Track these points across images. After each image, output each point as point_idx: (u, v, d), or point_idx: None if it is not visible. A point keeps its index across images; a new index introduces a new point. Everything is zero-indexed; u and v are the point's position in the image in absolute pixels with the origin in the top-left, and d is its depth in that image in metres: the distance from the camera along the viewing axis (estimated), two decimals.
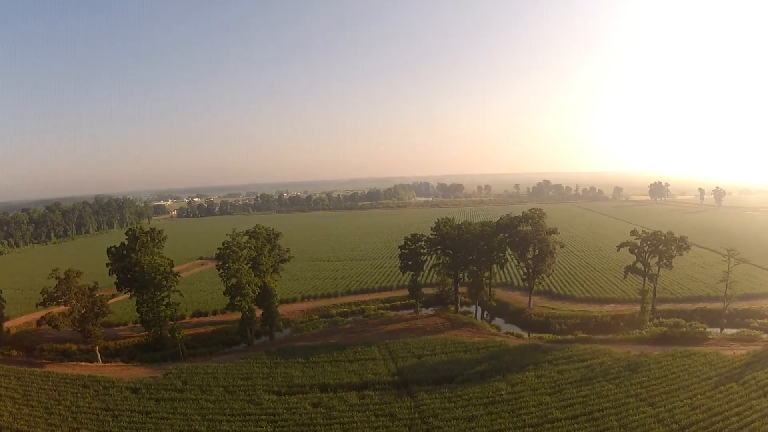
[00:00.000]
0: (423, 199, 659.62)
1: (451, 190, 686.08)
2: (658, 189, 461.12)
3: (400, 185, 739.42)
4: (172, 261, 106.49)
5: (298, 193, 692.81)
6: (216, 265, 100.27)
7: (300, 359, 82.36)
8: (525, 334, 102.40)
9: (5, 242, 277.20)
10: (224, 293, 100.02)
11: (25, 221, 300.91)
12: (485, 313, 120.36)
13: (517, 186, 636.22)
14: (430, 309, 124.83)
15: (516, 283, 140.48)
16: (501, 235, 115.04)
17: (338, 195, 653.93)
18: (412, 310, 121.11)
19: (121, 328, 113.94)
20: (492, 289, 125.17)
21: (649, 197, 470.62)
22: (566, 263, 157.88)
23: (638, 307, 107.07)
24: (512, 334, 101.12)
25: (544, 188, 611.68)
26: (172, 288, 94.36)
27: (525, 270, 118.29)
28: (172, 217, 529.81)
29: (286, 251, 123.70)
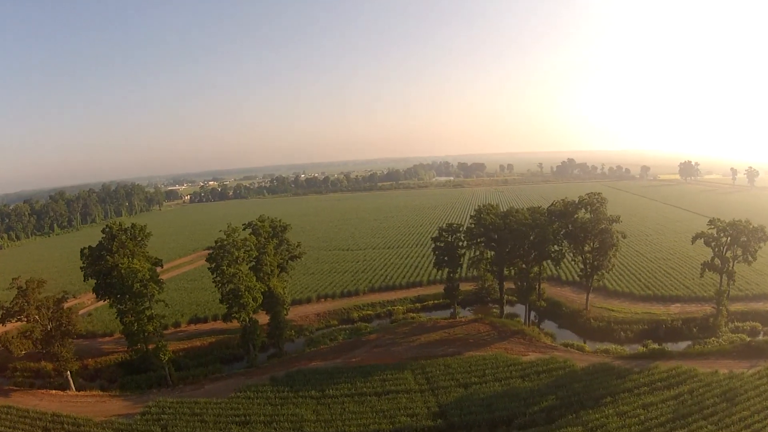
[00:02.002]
0: (444, 178, 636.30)
1: (472, 170, 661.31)
2: (688, 168, 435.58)
3: (419, 165, 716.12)
4: (159, 260, 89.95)
5: (315, 175, 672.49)
6: (209, 269, 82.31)
7: (313, 392, 64.79)
8: (585, 345, 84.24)
9: (5, 236, 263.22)
10: (220, 301, 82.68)
11: (27, 212, 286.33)
12: (533, 314, 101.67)
13: (540, 165, 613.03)
14: (467, 309, 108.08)
15: (564, 278, 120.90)
16: (555, 224, 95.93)
17: (356, 176, 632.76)
18: (449, 312, 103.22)
19: (106, 339, 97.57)
20: (541, 285, 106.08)
21: (678, 176, 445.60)
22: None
23: (706, 307, 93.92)
24: (571, 345, 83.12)
25: (568, 167, 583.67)
26: (155, 298, 76.30)
27: (582, 265, 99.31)
28: (184, 202, 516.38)
29: (297, 246, 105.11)
